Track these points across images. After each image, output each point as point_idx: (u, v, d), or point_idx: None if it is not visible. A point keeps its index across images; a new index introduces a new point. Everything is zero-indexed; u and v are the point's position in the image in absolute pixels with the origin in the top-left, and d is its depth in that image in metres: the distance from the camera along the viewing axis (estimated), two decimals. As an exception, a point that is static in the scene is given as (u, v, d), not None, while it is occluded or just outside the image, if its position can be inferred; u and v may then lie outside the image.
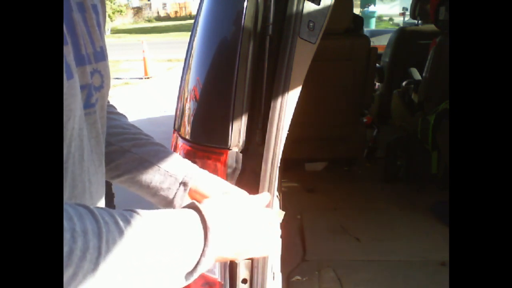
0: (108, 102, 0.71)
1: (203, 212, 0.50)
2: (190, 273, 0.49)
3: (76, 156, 0.52)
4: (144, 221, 0.46)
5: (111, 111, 0.77)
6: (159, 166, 0.72)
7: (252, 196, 0.67)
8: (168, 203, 0.73)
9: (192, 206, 0.52)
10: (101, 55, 0.59)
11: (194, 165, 0.76)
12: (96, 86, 0.58)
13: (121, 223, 0.43)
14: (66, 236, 0.37)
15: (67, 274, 0.37)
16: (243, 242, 0.55)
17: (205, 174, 0.75)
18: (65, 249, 0.37)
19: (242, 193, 0.73)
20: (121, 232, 0.42)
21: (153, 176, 0.72)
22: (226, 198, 0.61)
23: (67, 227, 0.38)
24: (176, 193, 0.72)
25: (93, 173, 0.58)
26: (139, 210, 0.46)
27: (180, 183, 0.72)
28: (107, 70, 0.62)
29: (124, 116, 0.81)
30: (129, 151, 0.73)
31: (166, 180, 0.72)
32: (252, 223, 0.57)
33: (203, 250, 0.49)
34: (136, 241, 0.43)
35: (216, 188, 0.73)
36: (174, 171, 0.72)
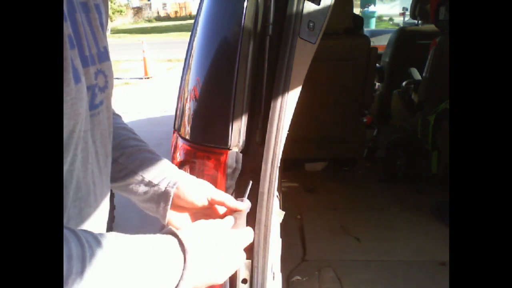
0: None
1: (181, 237, 0.53)
2: None
3: (80, 159, 0.52)
4: (127, 246, 0.47)
5: None
6: (143, 177, 0.73)
7: (219, 220, 0.67)
8: (154, 212, 0.74)
9: (170, 232, 0.54)
10: (104, 55, 0.59)
11: (180, 172, 0.77)
12: (101, 87, 0.58)
13: (105, 247, 0.43)
14: None
15: None
16: (217, 267, 0.57)
17: (189, 181, 0.75)
18: None
19: (224, 197, 0.74)
20: (104, 257, 0.43)
21: (138, 187, 0.73)
22: (198, 225, 0.62)
23: None
24: (159, 203, 0.73)
25: (97, 175, 0.58)
26: (122, 235, 0.48)
27: (162, 194, 0.73)
28: (111, 71, 0.61)
29: (119, 117, 0.81)
30: (116, 161, 0.73)
31: (150, 190, 0.73)
32: (223, 248, 0.59)
33: (182, 273, 0.51)
34: (119, 266, 0.44)
35: (199, 194, 0.73)
36: (158, 180, 0.73)
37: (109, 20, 0.68)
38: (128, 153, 0.74)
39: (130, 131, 0.79)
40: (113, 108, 0.82)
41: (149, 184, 0.73)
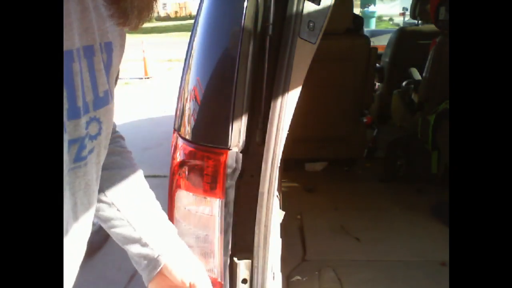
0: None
1: None
2: None
3: None
4: None
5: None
6: (141, 237, 0.72)
7: None
8: (139, 269, 0.75)
9: None
10: (103, 100, 0.56)
11: (173, 238, 0.77)
12: (92, 135, 0.56)
13: None
14: None
15: None
16: None
17: (178, 255, 0.76)
18: None
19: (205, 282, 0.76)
20: None
21: (132, 245, 0.73)
22: None
23: None
24: (148, 267, 0.73)
25: (75, 228, 0.56)
26: None
27: (153, 260, 0.73)
28: (109, 114, 0.59)
29: (123, 139, 0.80)
30: (113, 204, 0.73)
31: (143, 250, 0.73)
32: None
33: None
34: None
35: (184, 276, 0.74)
36: (154, 245, 0.73)
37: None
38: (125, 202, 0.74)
39: (129, 157, 0.79)
40: (118, 130, 0.80)
41: (145, 244, 0.73)
